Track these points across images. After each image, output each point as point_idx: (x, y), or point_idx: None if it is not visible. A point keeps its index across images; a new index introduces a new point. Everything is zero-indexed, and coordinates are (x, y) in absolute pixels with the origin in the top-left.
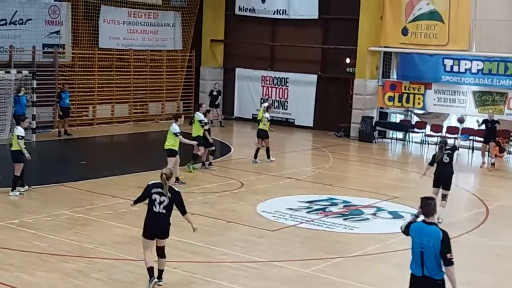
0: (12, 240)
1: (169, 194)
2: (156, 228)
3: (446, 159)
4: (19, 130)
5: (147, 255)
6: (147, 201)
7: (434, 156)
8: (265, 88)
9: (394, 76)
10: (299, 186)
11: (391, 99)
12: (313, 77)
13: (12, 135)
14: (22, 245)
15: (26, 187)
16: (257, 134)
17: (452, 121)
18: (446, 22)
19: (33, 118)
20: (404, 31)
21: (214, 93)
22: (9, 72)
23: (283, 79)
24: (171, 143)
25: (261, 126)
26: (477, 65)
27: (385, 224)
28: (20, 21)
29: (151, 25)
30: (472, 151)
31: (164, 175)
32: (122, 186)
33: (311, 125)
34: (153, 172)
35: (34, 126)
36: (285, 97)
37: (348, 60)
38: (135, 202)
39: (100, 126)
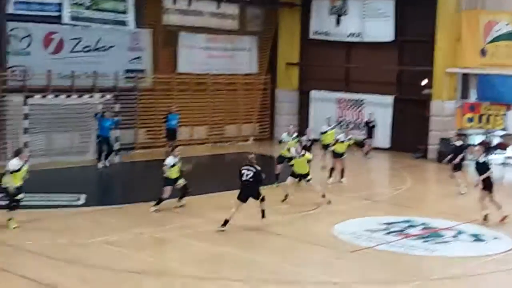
0: (96, 257)
1: (253, 169)
2: (247, 192)
3: None
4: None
5: (233, 210)
6: None
7: None
8: (340, 110)
9: (473, 97)
10: (377, 208)
11: (470, 120)
12: (390, 98)
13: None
14: (105, 263)
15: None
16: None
17: None
18: None
19: (116, 140)
20: (483, 52)
21: (371, 124)
22: (92, 96)
23: (358, 101)
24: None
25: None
26: None
27: (466, 247)
28: (104, 48)
29: (228, 50)
30: None
31: (251, 157)
32: (202, 206)
33: (388, 146)
34: (230, 192)
35: (118, 148)
36: (361, 118)
37: (424, 82)
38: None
39: (179, 147)
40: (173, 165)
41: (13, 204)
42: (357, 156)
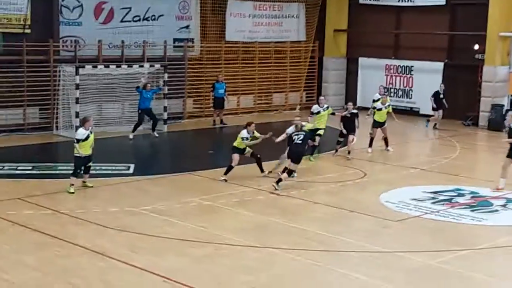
0: (145, 225)
1: (302, 132)
2: (297, 152)
3: None
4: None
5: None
6: None
7: None
8: (389, 77)
9: None
10: (424, 176)
11: None
12: (439, 65)
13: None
14: (153, 230)
15: (266, 172)
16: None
17: None
18: None
19: (164, 109)
20: None
21: (441, 95)
22: (142, 66)
23: (407, 68)
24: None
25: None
26: None
27: None
28: (153, 17)
29: (276, 17)
30: None
31: (298, 125)
32: (247, 175)
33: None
34: (275, 162)
35: (166, 117)
36: (410, 85)
37: (476, 47)
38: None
39: (226, 116)
40: (247, 139)
41: (79, 172)
42: (401, 123)
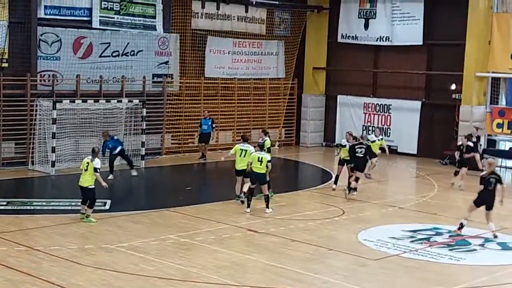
0: (122, 263)
1: (364, 146)
2: (360, 163)
3: None
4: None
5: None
6: None
7: None
8: (367, 115)
9: (503, 102)
10: (402, 215)
11: (499, 126)
12: (417, 104)
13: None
14: (130, 268)
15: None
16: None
17: None
18: None
19: (142, 145)
20: None
21: (474, 139)
22: (121, 101)
23: (386, 106)
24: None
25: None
26: None
27: (493, 256)
28: (132, 52)
29: (255, 54)
30: None
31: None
32: (225, 212)
33: (415, 152)
34: (255, 199)
35: (143, 153)
36: (388, 124)
37: (453, 86)
38: None
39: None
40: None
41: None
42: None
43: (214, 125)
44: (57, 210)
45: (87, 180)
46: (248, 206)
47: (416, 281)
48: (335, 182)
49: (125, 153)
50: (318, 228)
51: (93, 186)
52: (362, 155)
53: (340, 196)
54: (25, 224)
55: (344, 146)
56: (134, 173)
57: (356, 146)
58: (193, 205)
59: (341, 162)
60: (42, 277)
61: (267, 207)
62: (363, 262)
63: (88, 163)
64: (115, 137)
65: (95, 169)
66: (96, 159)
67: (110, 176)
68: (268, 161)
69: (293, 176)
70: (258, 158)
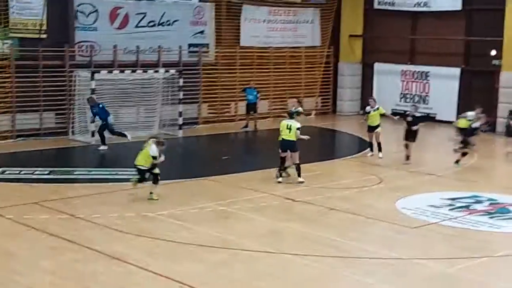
0: (161, 230)
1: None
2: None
3: None
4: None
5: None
6: None
7: None
8: (405, 83)
9: None
10: (441, 183)
11: None
12: (456, 70)
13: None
14: (169, 235)
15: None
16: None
17: None
18: None
19: (179, 115)
20: None
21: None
22: (157, 71)
23: (424, 73)
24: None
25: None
26: None
27: None
28: (168, 22)
29: (290, 23)
30: None
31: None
32: (263, 181)
33: (454, 120)
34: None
35: (181, 123)
36: (426, 91)
37: (493, 52)
38: None
39: (241, 121)
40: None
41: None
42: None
43: (259, 95)
44: (97, 179)
45: (139, 160)
46: (280, 175)
47: (455, 249)
48: (379, 150)
49: (110, 127)
50: (356, 196)
51: (145, 168)
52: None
53: (378, 165)
54: (67, 192)
55: (369, 112)
56: (102, 147)
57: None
58: (230, 174)
59: (369, 129)
60: (84, 244)
61: (299, 175)
62: (402, 230)
63: (145, 146)
64: (101, 105)
65: (153, 157)
66: (153, 146)
67: (102, 147)
68: (297, 129)
69: (329, 144)
70: (287, 125)
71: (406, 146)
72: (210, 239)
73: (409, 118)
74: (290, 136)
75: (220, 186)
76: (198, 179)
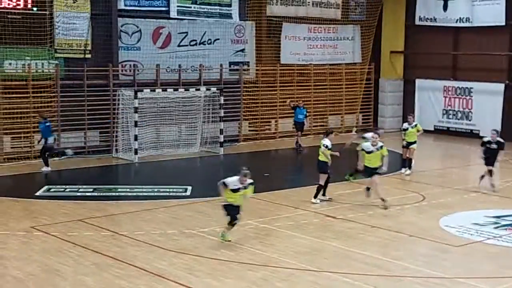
0: (202, 248)
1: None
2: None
3: None
4: (326, 141)
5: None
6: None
7: None
8: (447, 99)
9: None
10: (486, 200)
11: None
12: (500, 86)
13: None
14: (211, 253)
15: (326, 197)
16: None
17: None
18: None
19: (220, 132)
20: None
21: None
22: (199, 89)
23: (466, 89)
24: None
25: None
26: None
27: None
28: (209, 41)
29: (330, 40)
30: None
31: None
32: (303, 198)
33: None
34: (334, 184)
35: (222, 140)
36: (469, 107)
37: None
38: None
39: (282, 139)
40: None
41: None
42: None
43: (307, 114)
44: (140, 196)
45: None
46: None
47: (500, 268)
48: (407, 167)
49: (47, 146)
50: (398, 214)
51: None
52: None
53: (421, 182)
54: (111, 210)
55: (406, 129)
56: (44, 169)
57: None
58: (271, 191)
59: (405, 145)
60: (127, 261)
61: (314, 196)
62: (445, 248)
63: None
64: (48, 124)
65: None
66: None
67: (44, 168)
68: (324, 146)
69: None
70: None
71: (490, 173)
72: (251, 256)
73: (494, 146)
74: (319, 156)
75: (261, 203)
76: None
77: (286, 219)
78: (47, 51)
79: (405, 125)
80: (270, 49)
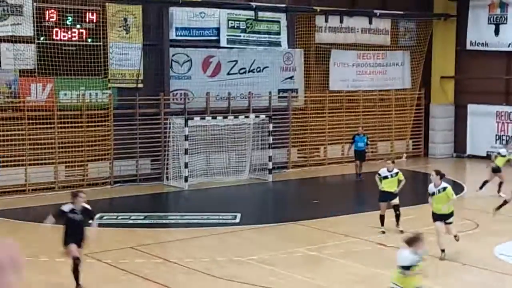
0: (252, 275)
1: None
2: None
3: None
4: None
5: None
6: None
7: None
8: (500, 124)
9: None
10: None
11: None
12: None
13: None
14: (260, 280)
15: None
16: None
17: None
18: None
19: (269, 159)
20: None
21: None
22: (248, 117)
23: None
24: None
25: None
26: None
27: None
28: (258, 69)
29: (380, 66)
30: None
31: None
32: (353, 225)
33: None
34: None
35: (271, 167)
36: None
37: None
38: None
39: (330, 165)
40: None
41: None
42: None
43: (368, 142)
44: (190, 223)
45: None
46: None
47: None
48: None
49: None
50: (451, 242)
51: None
52: None
53: (475, 209)
54: (161, 237)
55: (504, 156)
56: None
57: None
58: (320, 218)
59: (495, 170)
60: None
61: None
62: (501, 277)
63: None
64: None
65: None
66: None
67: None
68: (378, 174)
69: (422, 188)
70: None
71: None
72: (300, 284)
73: None
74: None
75: (310, 230)
76: (288, 224)
77: (335, 246)
78: (101, 81)
79: (503, 151)
80: (318, 75)
